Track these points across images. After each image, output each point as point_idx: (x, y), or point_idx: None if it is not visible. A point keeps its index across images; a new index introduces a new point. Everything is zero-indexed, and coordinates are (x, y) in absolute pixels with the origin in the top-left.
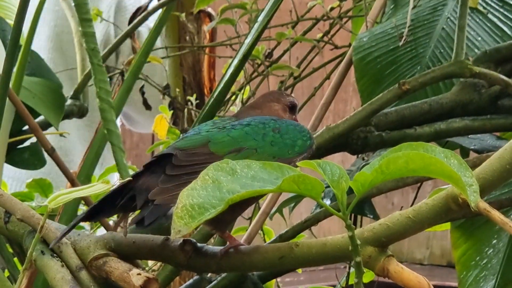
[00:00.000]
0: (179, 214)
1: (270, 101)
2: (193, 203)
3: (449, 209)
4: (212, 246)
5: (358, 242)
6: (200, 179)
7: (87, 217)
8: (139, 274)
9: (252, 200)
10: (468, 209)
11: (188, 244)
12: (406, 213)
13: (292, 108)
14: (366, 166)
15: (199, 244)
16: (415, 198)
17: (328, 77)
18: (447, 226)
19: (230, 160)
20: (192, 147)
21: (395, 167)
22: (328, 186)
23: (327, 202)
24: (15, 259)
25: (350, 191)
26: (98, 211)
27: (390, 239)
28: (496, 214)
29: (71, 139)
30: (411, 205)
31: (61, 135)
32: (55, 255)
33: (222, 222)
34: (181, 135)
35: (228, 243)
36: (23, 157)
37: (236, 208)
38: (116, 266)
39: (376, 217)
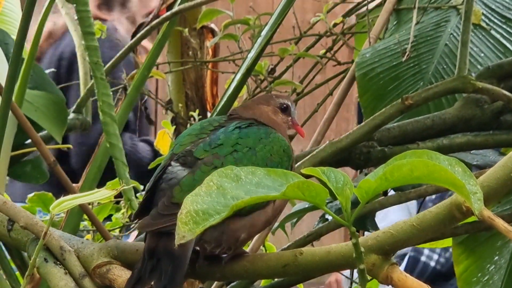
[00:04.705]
0: (183, 220)
1: (259, 103)
2: (198, 209)
3: (453, 217)
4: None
5: (362, 249)
6: (205, 185)
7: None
8: None
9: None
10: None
11: (193, 252)
12: (410, 221)
13: (285, 109)
14: (371, 174)
15: None
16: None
17: (331, 93)
18: (448, 242)
19: (235, 166)
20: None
21: (400, 175)
22: (330, 202)
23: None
24: (17, 273)
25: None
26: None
27: (394, 247)
28: (500, 222)
29: None
30: None
31: (62, 148)
32: (58, 262)
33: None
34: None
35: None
36: (25, 170)
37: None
38: (120, 274)
39: None
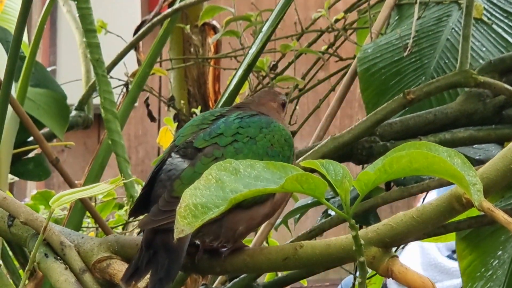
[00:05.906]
0: (182, 214)
1: (269, 100)
2: (196, 202)
3: (453, 208)
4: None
5: (362, 242)
6: (204, 178)
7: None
8: None
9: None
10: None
11: (192, 246)
12: (410, 213)
13: (283, 106)
14: (370, 166)
15: None
16: None
17: (333, 89)
18: (452, 237)
19: (233, 159)
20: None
21: (399, 166)
22: (333, 197)
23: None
24: (21, 271)
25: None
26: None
27: (394, 239)
28: (500, 214)
29: None
30: None
31: (65, 146)
32: (58, 257)
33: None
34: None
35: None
36: (27, 168)
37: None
38: (120, 269)
39: None
